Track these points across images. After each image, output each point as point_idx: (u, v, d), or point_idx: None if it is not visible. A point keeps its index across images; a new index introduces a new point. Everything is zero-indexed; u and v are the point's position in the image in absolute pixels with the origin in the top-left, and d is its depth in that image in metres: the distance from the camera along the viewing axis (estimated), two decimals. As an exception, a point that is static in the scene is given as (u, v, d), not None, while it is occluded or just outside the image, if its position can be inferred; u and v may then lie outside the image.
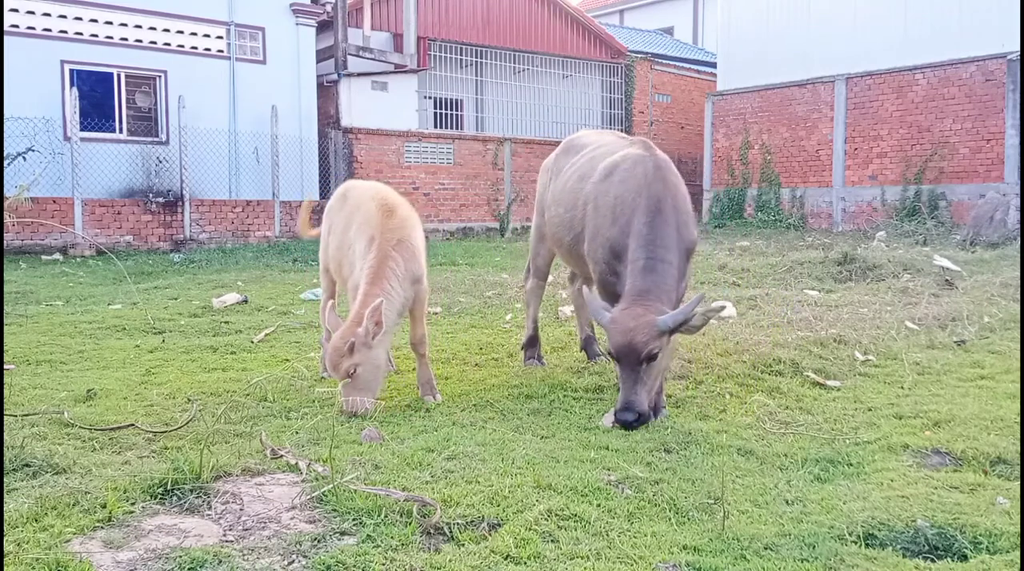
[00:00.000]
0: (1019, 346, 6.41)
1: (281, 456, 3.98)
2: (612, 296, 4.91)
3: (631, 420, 4.41)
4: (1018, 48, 16.52)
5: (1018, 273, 9.49)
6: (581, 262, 5.47)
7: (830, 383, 5.54)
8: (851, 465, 3.98)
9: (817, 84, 20.79)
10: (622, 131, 25.19)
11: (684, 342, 6.66)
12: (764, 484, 3.71)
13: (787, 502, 3.50)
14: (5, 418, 4.60)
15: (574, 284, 6.67)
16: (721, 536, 3.10)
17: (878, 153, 19.71)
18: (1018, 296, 8.25)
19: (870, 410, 4.91)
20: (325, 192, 19.54)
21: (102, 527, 3.15)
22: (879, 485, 3.68)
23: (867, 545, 3.06)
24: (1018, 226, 14.54)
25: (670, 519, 3.31)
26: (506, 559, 2.91)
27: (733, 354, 6.25)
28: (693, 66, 28.16)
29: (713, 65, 25.50)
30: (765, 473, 3.88)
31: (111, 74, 16.49)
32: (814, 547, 3.01)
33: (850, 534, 3.11)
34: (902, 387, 5.43)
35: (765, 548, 3.02)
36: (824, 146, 20.78)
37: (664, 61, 27.34)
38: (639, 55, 26.09)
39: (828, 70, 20.45)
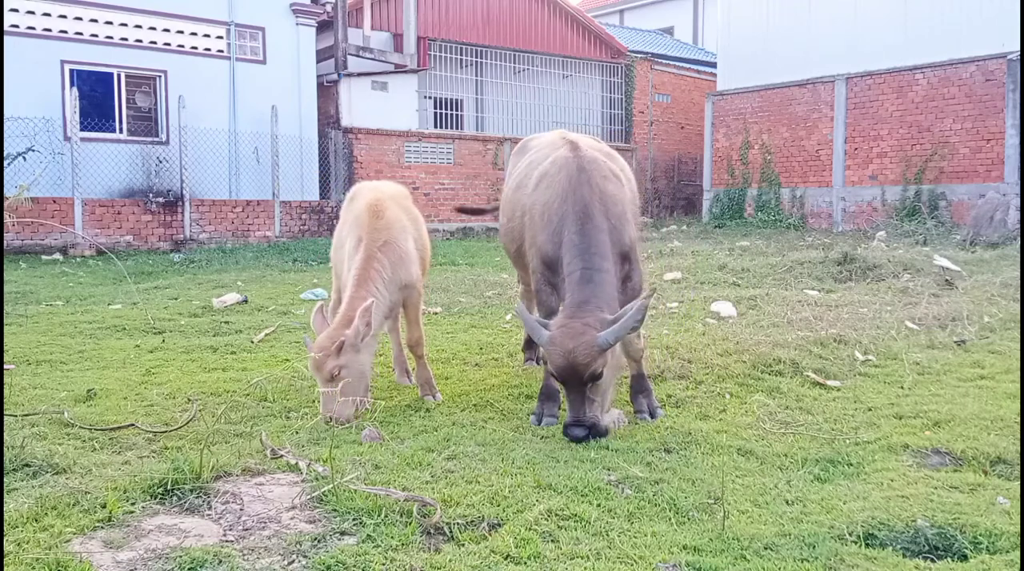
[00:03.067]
0: (1019, 346, 6.41)
1: (281, 456, 3.98)
2: (550, 310, 4.72)
3: (581, 436, 4.19)
4: (1018, 48, 16.52)
5: (1018, 273, 9.49)
6: (527, 273, 5.29)
7: (830, 383, 5.54)
8: (851, 465, 3.98)
9: (817, 84, 20.78)
10: (622, 131, 25.29)
11: (684, 343, 6.67)
12: (764, 484, 3.71)
13: (787, 502, 3.50)
14: (5, 418, 4.60)
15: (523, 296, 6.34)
16: (721, 536, 3.10)
17: (878, 153, 19.71)
18: (1018, 296, 8.25)
19: (870, 410, 4.91)
20: (325, 192, 19.55)
21: (102, 527, 3.15)
22: (879, 485, 3.68)
23: (867, 545, 3.06)
24: (1018, 226, 14.54)
25: (670, 519, 3.31)
26: (506, 559, 2.91)
27: (733, 354, 6.24)
28: (693, 66, 28.15)
29: (713, 65, 25.49)
30: (765, 473, 3.88)
31: (111, 74, 16.49)
32: (814, 547, 3.01)
33: (850, 534, 3.11)
34: (902, 387, 5.43)
35: (765, 548, 3.02)
36: (824, 146, 20.78)
37: (664, 61, 27.33)
38: (639, 55, 26.08)
39: (828, 70, 20.45)
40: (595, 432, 4.25)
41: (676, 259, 12.89)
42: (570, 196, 4.61)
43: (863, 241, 14.92)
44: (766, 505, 3.46)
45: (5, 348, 6.71)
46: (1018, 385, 5.22)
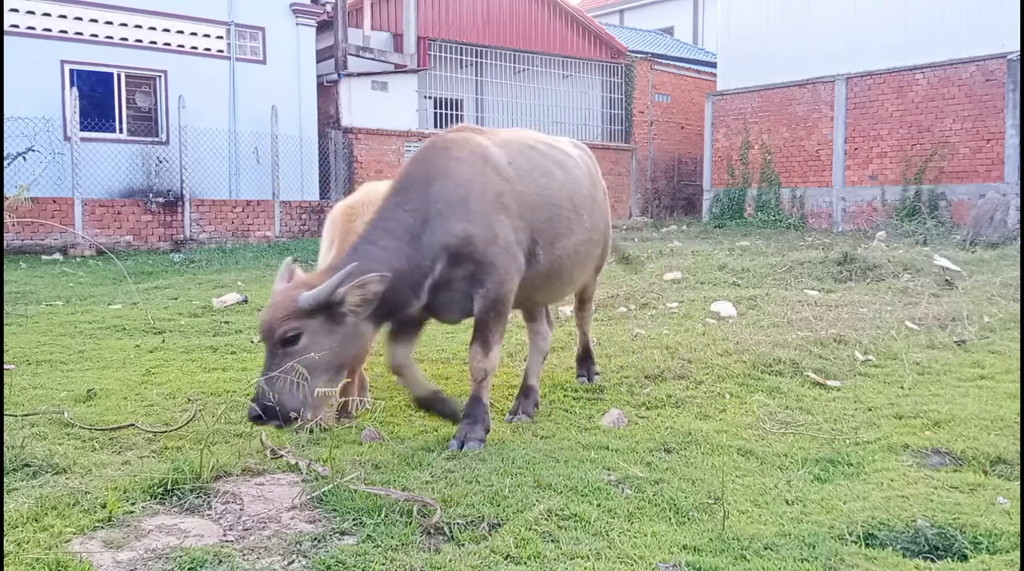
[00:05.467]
0: (1019, 346, 6.41)
1: (281, 456, 3.98)
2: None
3: (253, 416, 3.71)
4: (1018, 48, 16.52)
5: (1018, 273, 9.49)
6: None
7: (830, 383, 5.54)
8: (851, 465, 3.98)
9: (817, 84, 20.78)
10: (622, 131, 25.28)
11: (684, 343, 6.67)
12: (764, 484, 3.71)
13: (787, 502, 3.50)
14: (5, 418, 4.60)
15: None
16: (721, 536, 3.10)
17: (878, 153, 19.70)
18: (1018, 296, 8.25)
19: (870, 410, 4.91)
20: (325, 192, 19.54)
21: (102, 527, 3.15)
22: (879, 485, 3.68)
23: (867, 545, 3.06)
24: (1018, 226, 14.54)
25: (670, 519, 3.31)
26: (506, 559, 2.91)
27: (733, 354, 6.24)
28: (693, 66, 28.14)
29: (713, 65, 25.49)
30: (765, 473, 3.88)
31: (111, 74, 16.49)
32: (814, 547, 3.01)
33: (850, 534, 3.11)
34: (902, 387, 5.43)
35: (765, 548, 3.02)
36: (824, 146, 20.78)
37: (664, 61, 27.32)
38: (639, 55, 26.08)
39: (828, 70, 20.44)
40: (270, 414, 3.67)
41: (676, 259, 12.89)
42: (402, 169, 4.43)
43: (863, 241, 14.92)
44: (766, 505, 3.47)
45: (5, 348, 6.71)
46: (1018, 385, 5.22)
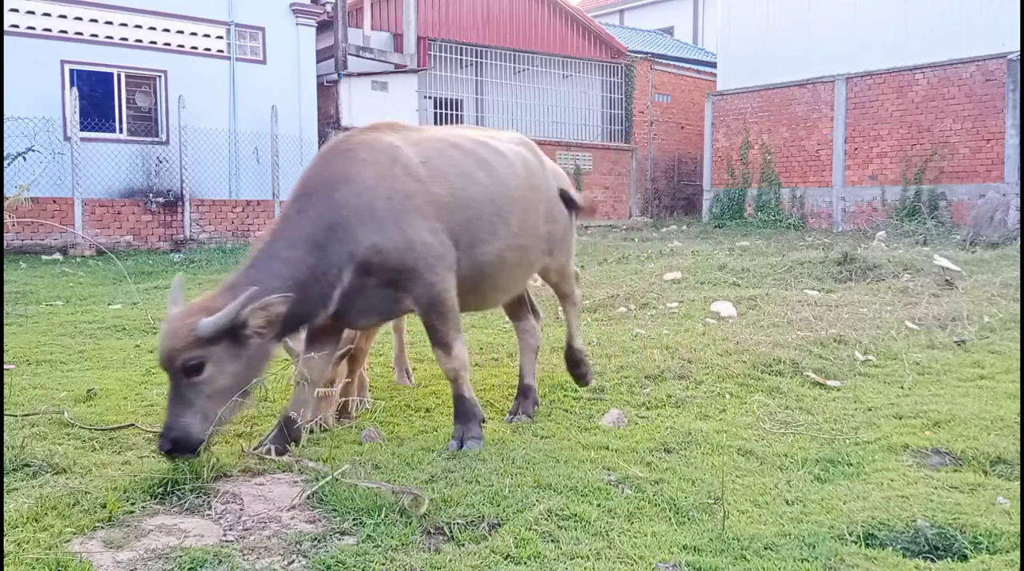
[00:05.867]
0: (1019, 346, 6.41)
1: (274, 457, 3.98)
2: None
3: (164, 449, 3.55)
4: (1018, 48, 16.52)
5: (1018, 273, 9.49)
6: None
7: (830, 383, 5.54)
8: (851, 465, 3.98)
9: (817, 84, 20.78)
10: (622, 131, 25.28)
11: (684, 343, 6.67)
12: (764, 484, 3.71)
13: (787, 502, 3.50)
14: (5, 418, 4.60)
15: None
16: (721, 536, 3.10)
17: (878, 153, 19.71)
18: (1018, 296, 8.25)
19: (870, 410, 4.91)
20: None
21: (102, 527, 3.15)
22: (879, 485, 3.68)
23: (867, 545, 3.06)
24: (1018, 226, 14.54)
25: (670, 519, 3.31)
26: (506, 559, 2.91)
27: (733, 354, 6.24)
28: (693, 66, 28.15)
29: (713, 65, 25.49)
30: (765, 473, 3.88)
31: (111, 74, 16.48)
32: (814, 547, 3.01)
33: (850, 534, 3.11)
34: (902, 387, 5.43)
35: (765, 548, 3.02)
36: (824, 146, 20.78)
37: (664, 61, 27.33)
38: (639, 55, 26.08)
39: (828, 70, 20.45)
40: (180, 447, 3.53)
41: (676, 259, 12.89)
42: (304, 172, 4.23)
43: (863, 241, 14.92)
44: (766, 505, 3.47)
45: (5, 348, 6.71)
46: (1018, 385, 5.22)
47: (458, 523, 3.19)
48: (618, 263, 13.17)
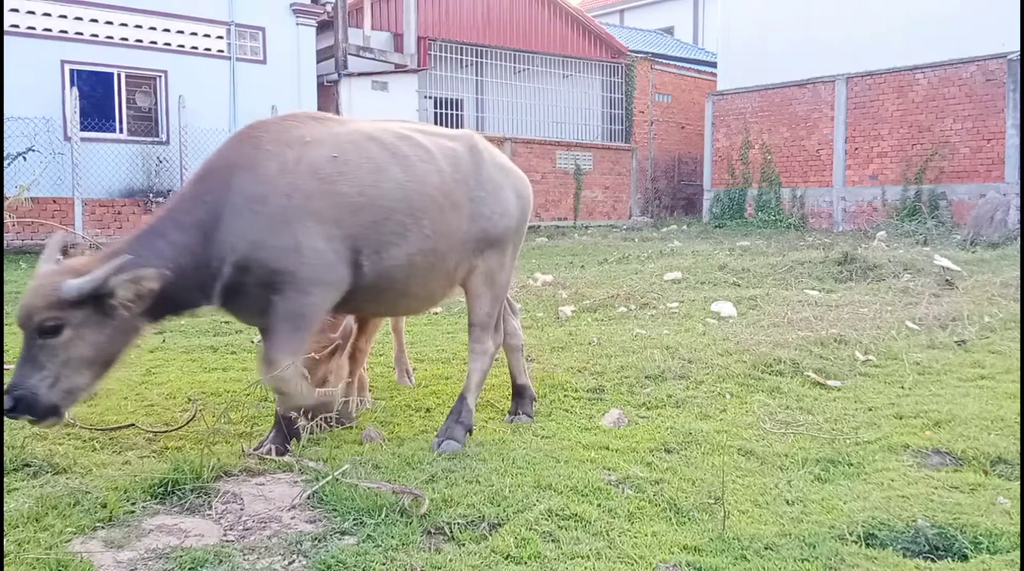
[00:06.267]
0: (1019, 346, 6.41)
1: (269, 458, 3.98)
2: None
3: (6, 407, 3.37)
4: (1018, 48, 16.52)
5: (1018, 273, 9.49)
6: None
7: (831, 383, 5.54)
8: (851, 465, 3.98)
9: (817, 84, 20.79)
10: (623, 131, 25.28)
11: (684, 343, 6.67)
12: (764, 484, 3.71)
13: (788, 502, 3.51)
14: (5, 419, 4.60)
15: None
16: (722, 536, 3.10)
17: (878, 153, 19.72)
18: (1018, 296, 8.25)
19: (870, 410, 4.91)
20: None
21: (103, 527, 3.15)
22: (879, 485, 3.68)
23: (867, 545, 3.07)
24: (1018, 226, 14.53)
25: (670, 519, 3.31)
26: (506, 559, 2.91)
27: (733, 354, 6.24)
28: (693, 66, 28.17)
29: (713, 65, 25.51)
30: (765, 473, 3.88)
31: (111, 74, 16.48)
32: (815, 547, 3.01)
33: (850, 534, 3.11)
34: (903, 387, 5.43)
35: (766, 548, 3.02)
36: (824, 146, 20.79)
37: (664, 61, 27.35)
38: (639, 55, 26.09)
39: (828, 70, 20.46)
40: (24, 408, 3.38)
41: (676, 259, 12.89)
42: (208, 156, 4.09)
43: (863, 241, 14.92)
44: (767, 505, 3.47)
45: (5, 348, 6.71)
46: (1018, 385, 5.22)
47: (458, 523, 3.19)
48: (618, 263, 13.18)
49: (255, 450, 4.05)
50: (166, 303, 3.69)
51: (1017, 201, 15.25)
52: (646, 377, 5.67)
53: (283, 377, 3.83)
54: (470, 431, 4.38)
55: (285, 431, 4.12)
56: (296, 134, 3.97)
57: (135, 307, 3.52)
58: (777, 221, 21.16)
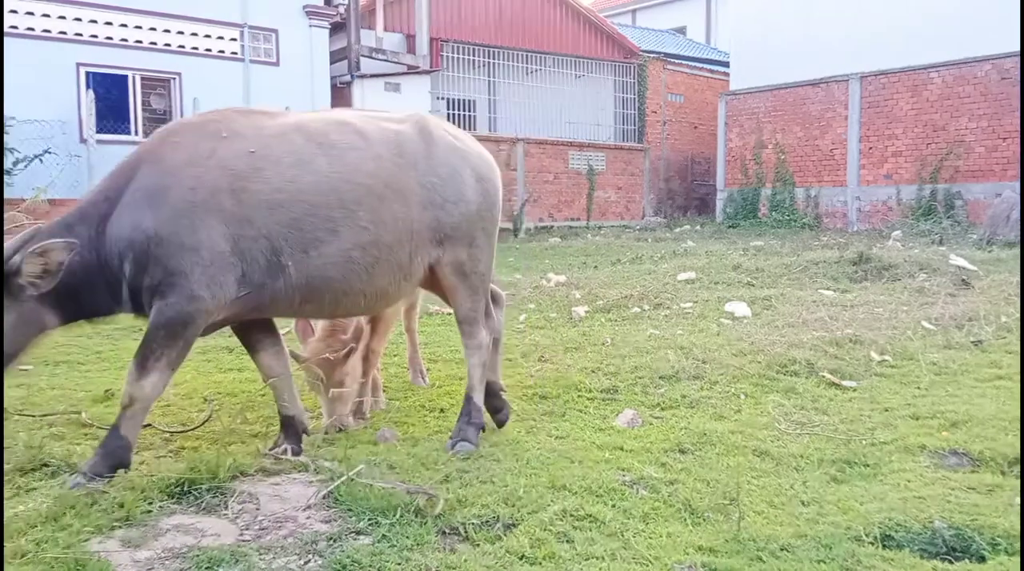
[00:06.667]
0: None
1: (288, 457, 4.00)
2: None
3: None
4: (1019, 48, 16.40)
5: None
6: None
7: (846, 383, 5.51)
8: (868, 466, 3.96)
9: (831, 83, 20.69)
10: (635, 131, 25.23)
11: (698, 343, 6.65)
12: (780, 485, 3.70)
13: (803, 503, 3.49)
14: (24, 419, 4.65)
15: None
16: (737, 537, 3.10)
17: (893, 152, 19.61)
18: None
19: (887, 411, 4.88)
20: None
21: (120, 526, 3.17)
22: (896, 486, 3.66)
23: (884, 546, 3.05)
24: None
25: (685, 520, 3.31)
26: (521, 559, 2.91)
27: (748, 355, 6.22)
28: (706, 66, 28.09)
29: (726, 64, 25.43)
30: (781, 474, 3.87)
31: (126, 76, 16.59)
32: (831, 548, 3.00)
33: (867, 535, 3.09)
34: (919, 387, 5.39)
35: (781, 549, 3.01)
36: (838, 145, 20.69)
37: (677, 61, 27.29)
38: (652, 55, 26.04)
39: (842, 69, 20.36)
40: None
41: (690, 259, 12.86)
42: None
43: (878, 241, 14.84)
44: (782, 506, 3.46)
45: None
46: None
47: (473, 523, 3.19)
48: (632, 263, 13.15)
49: (271, 450, 4.08)
50: (77, 301, 3.55)
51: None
52: (660, 377, 5.66)
53: (149, 392, 3.61)
54: (482, 428, 4.35)
55: (297, 430, 4.13)
56: (214, 128, 3.78)
57: (43, 284, 3.36)
58: (791, 221, 21.07)
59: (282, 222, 3.68)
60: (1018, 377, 5.55)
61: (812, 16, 21.14)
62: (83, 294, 3.56)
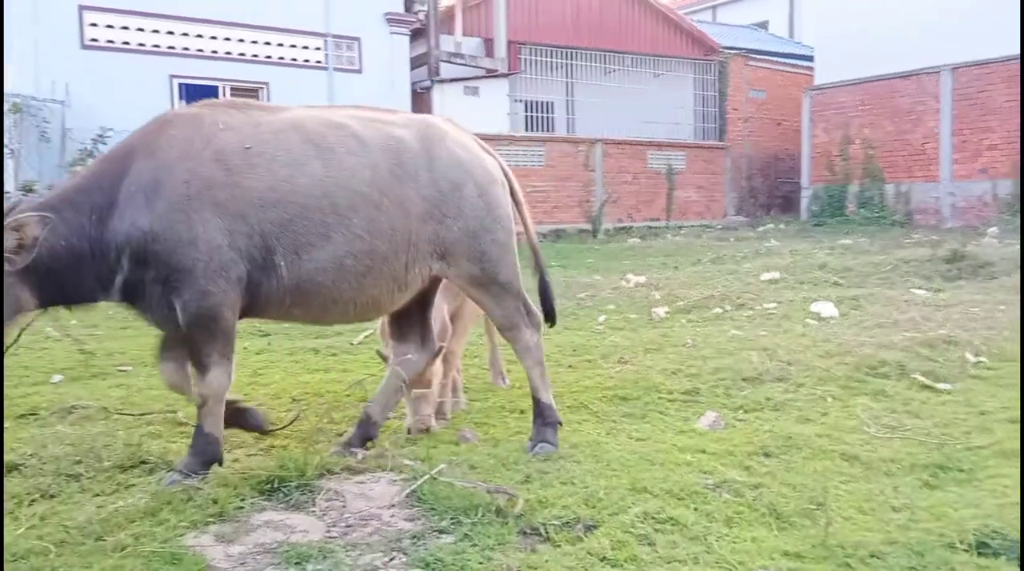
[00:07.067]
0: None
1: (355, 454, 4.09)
2: None
3: None
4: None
5: None
6: None
7: (940, 386, 5.33)
8: (962, 471, 3.82)
9: (921, 75, 19.99)
10: (716, 129, 24.86)
11: (783, 344, 6.52)
12: (869, 490, 3.60)
13: (894, 509, 3.39)
14: (123, 418, 4.87)
15: None
16: (824, 543, 3.03)
17: (988, 146, 18.81)
18: None
19: (983, 414, 4.70)
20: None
21: (214, 522, 3.29)
22: (992, 492, 3.53)
23: (979, 554, 2.94)
24: None
25: (770, 524, 3.25)
26: (602, 561, 2.91)
27: (835, 356, 6.07)
28: (789, 60, 27.46)
29: (810, 59, 24.82)
30: (870, 479, 3.77)
31: (217, 87, 17.17)
32: (923, 555, 2.90)
33: (961, 542, 2.99)
34: (1017, 390, 5.17)
35: (871, 556, 2.93)
36: (930, 139, 19.96)
37: (759, 56, 26.75)
38: (732, 51, 25.61)
39: (933, 60, 19.61)
40: None
41: (773, 258, 12.61)
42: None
43: (973, 238, 14.27)
44: (871, 512, 3.37)
45: (123, 351, 7.08)
46: None
47: (554, 524, 3.20)
48: (713, 263, 12.97)
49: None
50: (56, 287, 3.53)
51: None
52: (743, 379, 5.57)
53: (211, 392, 3.71)
54: (560, 424, 4.34)
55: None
56: (209, 121, 3.74)
57: (19, 260, 3.31)
58: (880, 218, 20.42)
59: (275, 221, 3.66)
60: None
61: (899, 6, 20.43)
62: (67, 280, 3.55)
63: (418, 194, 3.95)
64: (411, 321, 4.46)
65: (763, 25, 34.23)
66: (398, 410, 4.94)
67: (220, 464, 3.80)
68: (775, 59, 27.29)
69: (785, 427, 4.53)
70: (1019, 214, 13.78)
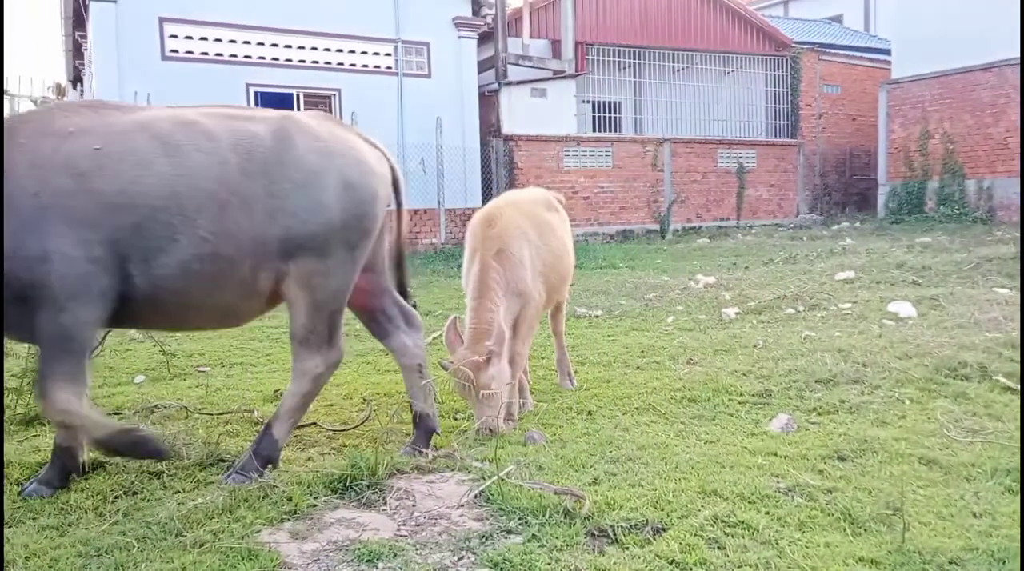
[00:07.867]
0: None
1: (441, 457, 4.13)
2: None
3: None
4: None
5: None
6: None
7: None
8: (1048, 477, 3.68)
9: (1003, 67, 19.23)
10: (788, 126, 24.36)
11: (858, 345, 6.37)
12: (949, 495, 3.50)
13: (974, 515, 3.29)
14: (202, 417, 5.03)
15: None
16: (901, 549, 2.96)
17: (1077, 138, 18.00)
18: None
19: (1071, 418, 4.52)
20: (487, 198, 19.96)
21: (288, 519, 3.38)
22: (1081, 500, 3.39)
23: (1067, 564, 2.83)
24: None
25: (845, 530, 3.19)
26: (671, 564, 2.89)
27: (913, 357, 5.90)
28: (864, 54, 26.73)
29: (886, 52, 24.13)
30: (950, 484, 3.66)
31: (291, 94, 17.54)
32: (1004, 563, 2.81)
33: (1047, 551, 2.88)
34: (1109, 393, 4.96)
35: (949, 562, 2.85)
36: (1013, 133, 19.19)
37: (832, 51, 26.10)
38: (805, 46, 25.06)
39: (1015, 51, 18.86)
40: None
41: (848, 257, 12.30)
42: None
43: (1062, 234, 13.69)
44: (951, 517, 3.27)
45: (202, 352, 7.31)
46: None
47: (622, 526, 3.20)
48: (785, 263, 12.72)
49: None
50: None
51: None
52: (816, 381, 5.46)
53: (66, 409, 3.42)
54: (272, 463, 3.90)
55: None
56: (60, 125, 3.53)
57: None
58: (961, 215, 19.73)
59: (123, 226, 3.45)
60: None
61: (982, -4, 19.71)
62: None
63: (265, 190, 3.70)
64: (385, 311, 4.45)
65: (837, 19, 33.42)
66: (465, 412, 4.99)
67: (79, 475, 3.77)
68: (850, 53, 26.60)
69: (860, 430, 4.43)
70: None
